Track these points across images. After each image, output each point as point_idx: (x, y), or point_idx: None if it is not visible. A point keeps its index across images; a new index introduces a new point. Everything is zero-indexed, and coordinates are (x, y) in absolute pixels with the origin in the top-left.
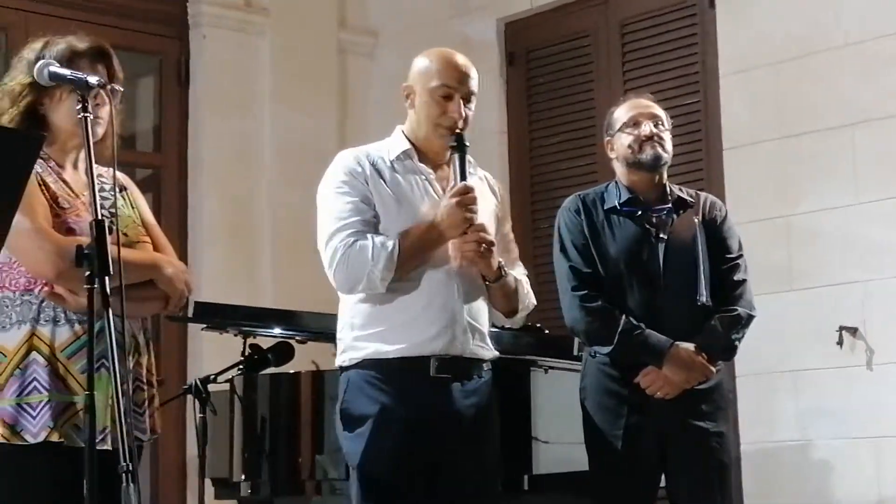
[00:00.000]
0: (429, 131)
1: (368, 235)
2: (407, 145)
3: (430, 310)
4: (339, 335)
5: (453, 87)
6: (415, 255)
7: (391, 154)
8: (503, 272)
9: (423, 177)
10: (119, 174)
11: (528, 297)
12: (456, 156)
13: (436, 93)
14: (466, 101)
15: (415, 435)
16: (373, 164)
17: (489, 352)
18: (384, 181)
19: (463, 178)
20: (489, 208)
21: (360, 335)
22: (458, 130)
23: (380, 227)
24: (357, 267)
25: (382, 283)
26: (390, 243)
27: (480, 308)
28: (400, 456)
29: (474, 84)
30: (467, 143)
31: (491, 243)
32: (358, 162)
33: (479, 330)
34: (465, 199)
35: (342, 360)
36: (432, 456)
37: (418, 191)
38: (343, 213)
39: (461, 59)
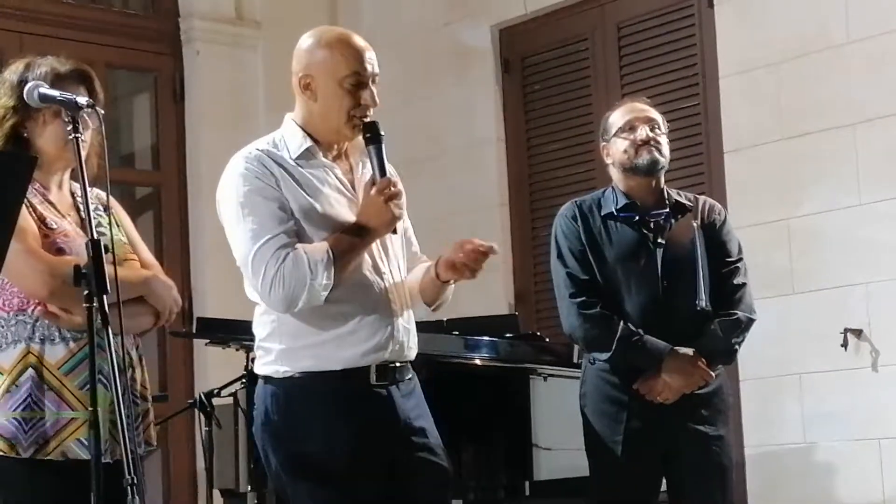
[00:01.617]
0: (339, 123)
1: (297, 246)
2: (308, 141)
3: (369, 318)
4: (262, 343)
5: (363, 73)
6: (349, 259)
7: (292, 152)
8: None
9: (328, 171)
10: (101, 193)
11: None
12: (372, 148)
13: (346, 82)
14: (373, 83)
15: (365, 445)
16: (280, 166)
17: (415, 352)
18: (296, 183)
19: (383, 171)
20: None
21: (293, 346)
22: (367, 119)
23: (302, 233)
24: (296, 283)
25: (324, 294)
26: (324, 251)
27: (409, 309)
28: (353, 468)
29: (375, 62)
30: (382, 133)
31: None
32: (263, 164)
33: (411, 333)
34: (391, 193)
35: (269, 371)
36: (384, 464)
37: (328, 189)
38: (262, 227)
39: (358, 39)
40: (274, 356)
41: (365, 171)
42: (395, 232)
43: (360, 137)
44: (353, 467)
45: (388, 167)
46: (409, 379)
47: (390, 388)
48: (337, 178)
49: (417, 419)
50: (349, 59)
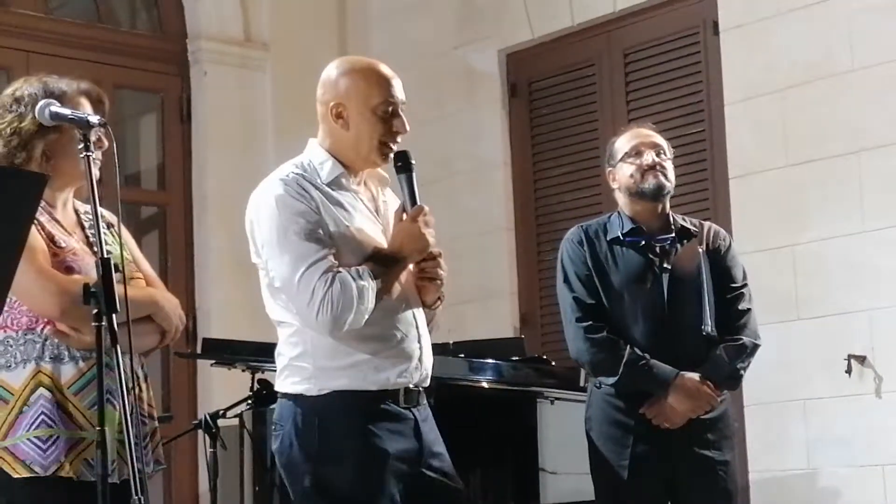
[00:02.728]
0: (369, 151)
1: (342, 270)
2: (339, 168)
3: (399, 341)
4: (291, 361)
5: (394, 100)
6: (386, 284)
7: (324, 177)
8: (441, 299)
9: (356, 196)
10: (105, 212)
11: (438, 327)
12: (404, 176)
13: (379, 109)
14: (402, 110)
15: (400, 467)
16: (317, 188)
17: (429, 378)
18: (333, 206)
19: (414, 199)
20: None
21: (329, 366)
22: (397, 148)
23: (338, 256)
24: (344, 306)
25: (366, 318)
26: (367, 276)
27: (427, 333)
28: (389, 490)
29: (402, 90)
30: (413, 161)
31: (445, 272)
32: (303, 188)
33: (430, 357)
34: (425, 221)
35: (301, 389)
36: (416, 487)
37: (360, 215)
38: (308, 249)
39: (385, 67)
40: (306, 375)
41: (386, 199)
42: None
43: (377, 167)
44: (384, 489)
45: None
46: (425, 404)
47: (413, 410)
48: (363, 202)
49: (434, 443)
50: (381, 87)
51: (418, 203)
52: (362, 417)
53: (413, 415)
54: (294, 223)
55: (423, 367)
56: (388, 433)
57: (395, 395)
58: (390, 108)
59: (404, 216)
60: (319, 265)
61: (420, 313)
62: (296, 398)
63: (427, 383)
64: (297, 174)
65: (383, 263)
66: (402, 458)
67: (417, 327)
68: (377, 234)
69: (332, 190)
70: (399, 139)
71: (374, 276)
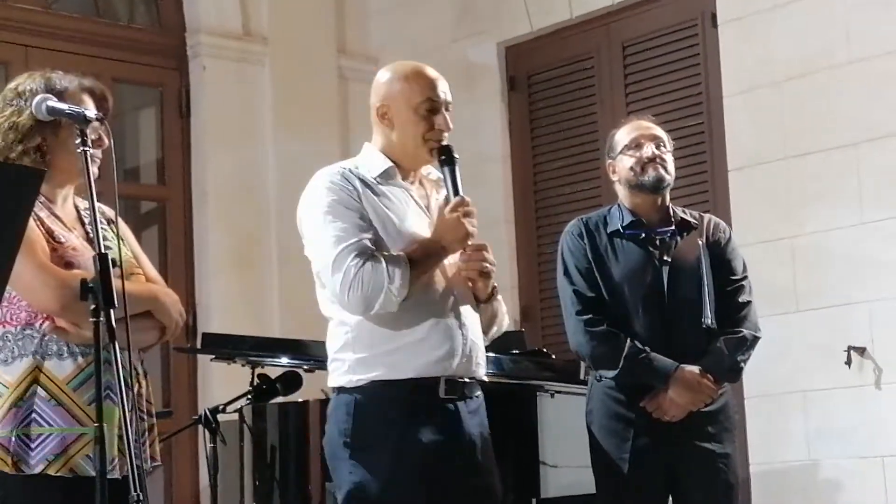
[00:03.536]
0: (416, 148)
1: (376, 253)
2: (388, 163)
3: (437, 329)
4: (335, 355)
5: (436, 99)
6: (421, 271)
7: (371, 172)
8: (495, 293)
9: (406, 192)
10: (105, 207)
11: (504, 319)
12: (447, 169)
13: (421, 108)
14: (446, 109)
15: (435, 458)
16: (362, 181)
17: (483, 370)
18: (377, 197)
19: (456, 191)
20: None
21: (365, 356)
22: (443, 143)
23: (380, 243)
24: (373, 287)
25: (398, 300)
26: (401, 259)
27: (478, 327)
28: (423, 481)
29: (448, 91)
30: (456, 156)
31: (492, 262)
32: (346, 178)
33: (479, 349)
34: (465, 211)
35: (343, 381)
36: (450, 479)
37: (406, 207)
38: (344, 232)
39: (431, 70)
40: (348, 366)
41: (439, 196)
42: (465, 250)
43: (427, 163)
44: (413, 480)
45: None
46: (477, 396)
47: (458, 403)
48: (413, 199)
49: (480, 438)
50: (423, 86)
51: (461, 194)
52: (396, 407)
53: (456, 407)
54: (333, 209)
55: (465, 355)
56: (422, 424)
57: (434, 385)
58: (431, 107)
59: (447, 207)
60: (353, 246)
61: (468, 307)
62: (339, 390)
63: (476, 375)
64: (342, 168)
65: (422, 252)
66: (435, 451)
67: (461, 316)
68: (423, 227)
69: (380, 184)
70: (445, 135)
71: (411, 263)
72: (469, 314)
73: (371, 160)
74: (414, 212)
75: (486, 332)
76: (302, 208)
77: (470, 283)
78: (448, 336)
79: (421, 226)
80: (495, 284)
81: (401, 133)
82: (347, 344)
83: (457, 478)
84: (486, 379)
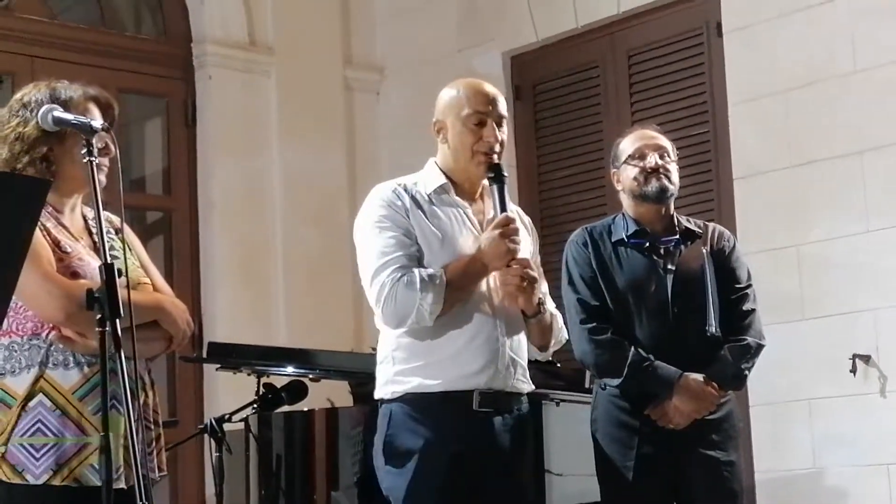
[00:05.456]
0: (466, 161)
1: (414, 269)
2: (443, 179)
3: (473, 344)
4: (379, 367)
5: (485, 112)
6: (460, 288)
7: (427, 188)
8: (542, 308)
9: (461, 210)
10: (112, 216)
11: (561, 332)
12: (495, 186)
13: (469, 121)
14: (498, 125)
15: (459, 470)
16: (412, 197)
17: (528, 385)
18: (424, 215)
19: (503, 208)
20: (526, 243)
21: (403, 369)
22: (495, 160)
23: (423, 259)
24: (406, 301)
25: (431, 316)
26: (437, 276)
27: (521, 342)
28: (445, 491)
29: (504, 108)
30: (505, 174)
31: (534, 279)
32: (397, 195)
33: (520, 364)
34: (508, 230)
35: (383, 393)
36: (475, 490)
37: (457, 225)
38: (387, 247)
39: (487, 85)
40: (387, 378)
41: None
42: (508, 266)
43: (480, 178)
44: (439, 491)
45: (510, 206)
46: (518, 410)
47: (494, 417)
48: (467, 216)
49: (513, 452)
50: (471, 100)
51: (507, 212)
52: (426, 419)
53: (491, 420)
54: (380, 225)
55: (501, 371)
56: (450, 436)
57: (467, 398)
58: (479, 120)
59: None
60: (393, 261)
61: (513, 322)
62: (381, 401)
63: (517, 389)
64: (396, 185)
65: (462, 269)
66: (460, 463)
67: (501, 333)
68: (469, 242)
69: (433, 200)
70: (496, 149)
71: (450, 279)
72: (512, 329)
73: (429, 176)
74: (466, 229)
75: (540, 346)
76: (356, 221)
77: (514, 299)
78: (485, 350)
79: (467, 242)
80: (541, 298)
81: (453, 146)
82: (389, 356)
83: (480, 492)
84: (524, 391)
